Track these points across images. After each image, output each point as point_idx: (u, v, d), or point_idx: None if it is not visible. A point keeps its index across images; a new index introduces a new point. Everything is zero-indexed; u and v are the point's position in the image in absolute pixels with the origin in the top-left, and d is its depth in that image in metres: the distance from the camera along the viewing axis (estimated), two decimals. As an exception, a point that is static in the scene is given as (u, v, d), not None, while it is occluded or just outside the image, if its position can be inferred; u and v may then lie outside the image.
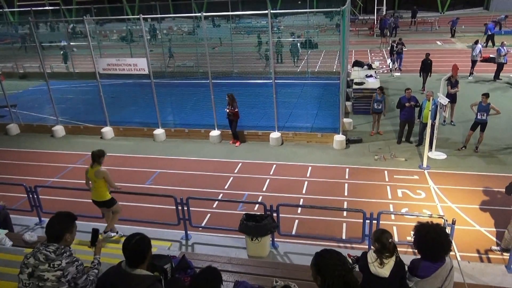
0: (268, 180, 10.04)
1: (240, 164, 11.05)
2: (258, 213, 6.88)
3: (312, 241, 7.32)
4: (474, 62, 18.12)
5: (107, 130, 13.57)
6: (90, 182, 7.19)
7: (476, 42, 18.16)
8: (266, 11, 11.39)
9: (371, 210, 6.68)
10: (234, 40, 23.78)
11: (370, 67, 18.06)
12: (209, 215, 8.56)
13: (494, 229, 7.65)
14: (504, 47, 16.77)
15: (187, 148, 12.41)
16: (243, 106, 12.56)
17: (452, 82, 12.45)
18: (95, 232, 4.14)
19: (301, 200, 9.07)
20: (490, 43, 24.46)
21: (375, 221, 6.57)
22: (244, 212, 6.95)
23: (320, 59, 22.86)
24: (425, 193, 9.07)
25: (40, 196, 8.22)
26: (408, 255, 6.51)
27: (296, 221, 8.22)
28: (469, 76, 18.11)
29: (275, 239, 7.25)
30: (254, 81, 15.22)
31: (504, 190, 7.15)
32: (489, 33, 24.17)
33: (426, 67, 15.98)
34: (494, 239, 7.39)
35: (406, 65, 20.51)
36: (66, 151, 12.60)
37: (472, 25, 31.19)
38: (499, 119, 11.96)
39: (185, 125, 13.58)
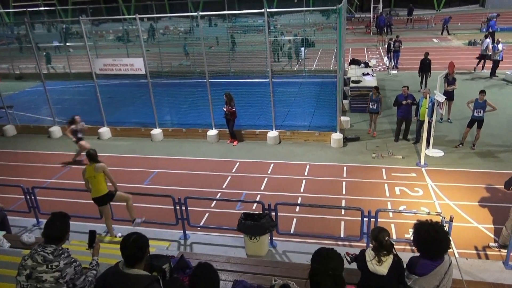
0: (266, 179, 10.04)
1: (238, 163, 11.04)
2: (256, 212, 6.88)
3: (311, 239, 7.33)
4: (483, 57, 17.98)
5: (104, 131, 13.53)
6: (89, 182, 7.18)
7: (486, 37, 18.04)
8: (263, 10, 11.38)
9: (369, 208, 6.69)
10: (231, 39, 23.80)
11: (367, 65, 18.09)
12: (207, 214, 8.56)
13: (492, 226, 7.68)
14: (499, 44, 16.80)
15: (184, 147, 12.40)
16: (240, 105, 12.55)
17: (449, 79, 12.48)
18: (92, 233, 4.13)
19: (299, 198, 9.08)
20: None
21: (373, 219, 6.58)
22: (242, 211, 6.95)
23: (317, 57, 22.89)
24: (423, 190, 9.09)
25: (37, 197, 8.20)
26: (406, 252, 6.52)
27: (295, 219, 8.23)
28: (480, 70, 18.01)
29: (273, 238, 7.25)
30: (251, 80, 15.21)
31: (502, 186, 7.17)
32: (491, 30, 24.16)
33: (425, 67, 15.66)
34: (492, 235, 7.42)
35: (402, 63, 20.56)
36: (63, 152, 12.56)
37: (467, 23, 31.28)
38: (496, 116, 12.01)
39: (182, 124, 13.56)
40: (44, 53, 24.07)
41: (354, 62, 18.52)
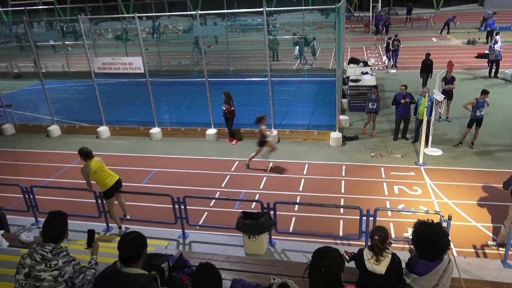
0: (265, 178, 10.04)
1: (237, 162, 11.04)
2: (255, 211, 6.88)
3: (309, 238, 7.34)
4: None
5: (103, 130, 13.52)
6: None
7: (497, 34, 17.74)
8: (262, 9, 11.37)
9: (368, 207, 6.69)
10: (230, 38, 23.77)
11: (366, 64, 18.09)
12: (206, 213, 8.56)
13: (491, 225, 7.70)
14: (496, 44, 16.71)
15: (183, 146, 12.39)
16: (239, 104, 12.54)
17: (448, 78, 12.48)
18: (91, 232, 4.13)
19: (298, 197, 9.08)
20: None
21: (372, 218, 6.59)
22: (241, 210, 6.95)
23: (316, 56, 22.88)
24: (422, 189, 9.10)
25: (36, 196, 8.19)
26: (405, 251, 6.53)
27: (293, 218, 8.23)
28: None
29: (272, 237, 7.25)
30: (250, 79, 15.20)
31: (501, 185, 7.18)
32: (489, 29, 24.16)
33: (427, 68, 15.25)
34: (490, 234, 7.44)
35: (401, 61, 20.56)
36: (62, 151, 12.55)
37: (467, 21, 31.29)
38: (495, 115, 12.03)
39: (181, 123, 13.55)
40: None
41: (353, 61, 18.53)
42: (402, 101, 11.21)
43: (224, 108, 11.88)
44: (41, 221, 8.16)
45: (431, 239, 3.66)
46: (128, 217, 8.00)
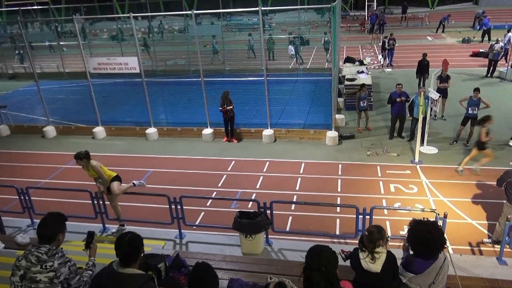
0: (261, 177, 10.05)
1: (233, 161, 11.04)
2: (252, 211, 6.88)
3: (306, 237, 7.35)
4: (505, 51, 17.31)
5: (99, 130, 13.47)
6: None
7: (509, 31, 17.60)
8: (257, 8, 11.37)
9: (364, 205, 6.71)
10: (225, 37, 23.75)
11: (361, 63, 18.13)
12: (203, 213, 8.55)
13: (486, 222, 7.74)
14: (497, 44, 16.66)
15: (179, 146, 12.38)
16: (236, 104, 12.52)
17: (443, 77, 12.53)
18: (90, 234, 4.11)
19: (295, 196, 9.09)
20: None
21: (368, 216, 6.61)
22: (237, 210, 6.96)
23: (312, 55, 22.93)
24: (417, 187, 9.14)
25: (32, 198, 8.15)
26: (401, 249, 6.55)
27: (290, 217, 8.24)
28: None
29: (269, 236, 7.26)
30: (246, 78, 15.20)
31: (495, 183, 7.23)
32: (484, 28, 24.22)
33: (423, 68, 15.13)
34: (486, 231, 7.48)
35: (397, 60, 20.62)
36: (57, 152, 12.50)
37: (461, 20, 31.43)
38: (490, 113, 12.05)
39: (177, 123, 13.54)
40: (17, 52, 23.92)
41: (349, 60, 18.56)
42: (398, 99, 11.25)
43: (229, 108, 11.82)
44: (36, 223, 8.09)
45: (426, 238, 3.67)
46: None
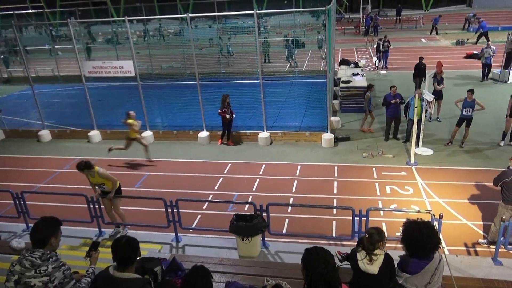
0: (257, 180, 10.05)
1: (230, 164, 11.04)
2: (248, 213, 6.88)
3: (303, 239, 7.34)
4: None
5: (94, 134, 13.43)
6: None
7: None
8: (252, 11, 11.41)
9: (360, 207, 6.73)
10: (221, 40, 23.78)
11: (356, 65, 18.20)
12: (199, 216, 8.54)
13: (481, 223, 7.78)
14: (489, 48, 16.70)
15: (175, 150, 12.36)
16: (231, 106, 12.54)
17: (438, 79, 12.62)
18: (94, 244, 4.11)
19: (291, 199, 9.10)
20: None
21: (364, 218, 6.62)
22: (234, 213, 6.95)
23: (307, 58, 23.00)
24: (413, 189, 9.18)
25: (27, 202, 8.10)
26: (397, 251, 6.57)
27: (286, 220, 8.25)
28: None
29: (265, 239, 7.26)
30: (241, 81, 15.23)
31: (491, 183, 7.27)
32: (481, 30, 24.32)
33: (420, 72, 15.07)
34: (481, 232, 7.52)
35: (392, 62, 20.72)
36: (52, 156, 12.44)
37: (455, 22, 31.64)
38: (484, 115, 12.17)
39: (173, 127, 13.52)
40: (1, 56, 23.82)
41: (344, 62, 18.63)
42: (392, 101, 11.31)
43: (228, 117, 11.83)
44: (32, 227, 8.08)
45: (417, 237, 3.70)
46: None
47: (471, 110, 10.63)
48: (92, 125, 13.56)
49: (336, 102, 14.75)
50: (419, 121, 10.41)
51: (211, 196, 9.39)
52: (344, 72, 16.63)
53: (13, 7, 30.88)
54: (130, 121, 10.90)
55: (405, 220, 3.94)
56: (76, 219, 7.97)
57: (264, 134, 12.27)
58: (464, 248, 7.12)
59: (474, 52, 20.88)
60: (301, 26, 30.22)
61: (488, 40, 23.26)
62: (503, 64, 16.62)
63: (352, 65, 18.13)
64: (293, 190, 9.47)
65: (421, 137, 10.80)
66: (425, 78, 15.12)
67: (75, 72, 15.31)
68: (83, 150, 12.75)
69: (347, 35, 31.88)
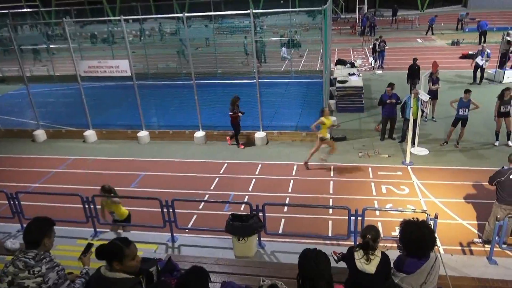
0: (254, 180, 10.04)
1: (226, 164, 11.02)
2: (244, 213, 6.87)
3: (299, 239, 7.34)
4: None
5: (90, 134, 13.37)
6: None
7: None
8: (249, 11, 11.40)
9: (356, 207, 6.72)
10: (217, 40, 23.75)
11: (352, 65, 18.24)
12: (195, 216, 8.52)
13: (476, 222, 7.82)
14: (483, 53, 16.72)
15: (171, 149, 12.32)
16: (225, 107, 12.52)
17: (433, 78, 12.66)
18: (89, 246, 4.09)
19: (287, 198, 9.10)
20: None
21: (360, 218, 6.62)
22: (230, 213, 6.93)
23: (303, 58, 23.02)
24: (409, 188, 9.21)
25: (21, 202, 8.04)
26: (393, 250, 6.59)
27: (283, 220, 8.25)
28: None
29: (261, 239, 7.24)
30: (238, 81, 15.21)
31: (486, 183, 7.30)
32: (480, 30, 24.34)
33: (414, 73, 15.01)
34: (476, 231, 7.56)
35: (388, 63, 20.78)
36: (48, 156, 12.37)
37: (450, 23, 31.78)
38: (479, 115, 12.21)
39: (169, 126, 13.48)
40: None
41: (340, 62, 18.67)
42: (388, 101, 11.34)
43: (240, 114, 11.77)
44: (26, 228, 8.02)
45: (418, 238, 3.71)
46: None
47: (467, 110, 10.68)
48: (87, 124, 13.50)
49: (332, 102, 14.76)
50: (415, 120, 10.44)
51: (207, 196, 9.38)
52: (340, 72, 16.66)
53: (8, 6, 30.66)
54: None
55: (401, 220, 3.95)
56: (71, 220, 7.93)
57: (260, 134, 12.26)
58: (459, 248, 7.15)
59: (470, 52, 20.95)
60: (297, 26, 30.21)
61: (484, 41, 23.34)
62: (498, 64, 16.68)
63: (348, 65, 18.17)
64: (289, 190, 9.47)
65: (416, 137, 10.84)
66: (419, 79, 15.07)
67: (71, 71, 15.24)
68: (79, 150, 12.69)
69: (343, 35, 31.95)
